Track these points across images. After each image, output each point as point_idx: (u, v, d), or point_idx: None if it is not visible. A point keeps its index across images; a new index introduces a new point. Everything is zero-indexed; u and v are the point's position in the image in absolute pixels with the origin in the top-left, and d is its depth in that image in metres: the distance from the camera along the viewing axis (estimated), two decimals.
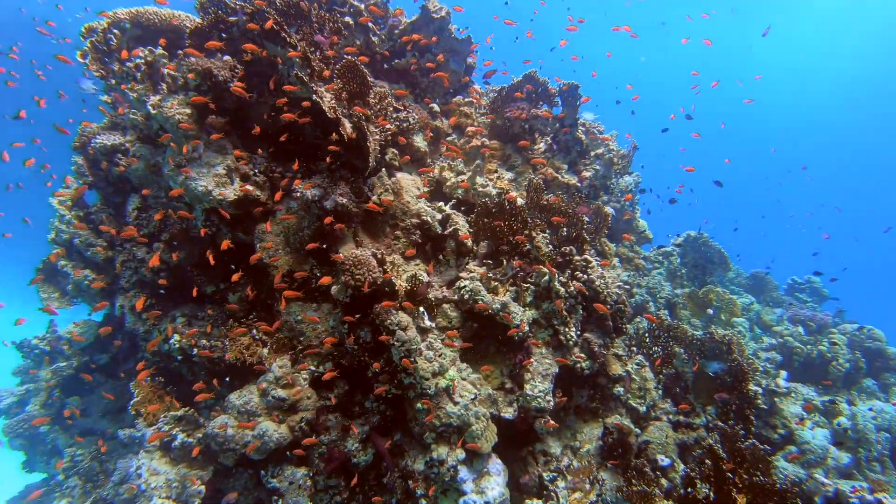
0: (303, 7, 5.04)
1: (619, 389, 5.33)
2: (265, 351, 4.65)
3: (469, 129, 6.35)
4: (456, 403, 4.52)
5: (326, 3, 5.92)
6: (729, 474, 3.77)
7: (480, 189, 5.77)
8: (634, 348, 5.88)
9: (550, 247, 5.46)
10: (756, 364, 7.60)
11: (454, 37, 6.40)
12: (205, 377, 4.85)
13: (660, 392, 5.81)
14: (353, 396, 4.65)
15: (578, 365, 5.11)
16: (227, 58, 4.58)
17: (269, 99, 4.76)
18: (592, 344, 5.21)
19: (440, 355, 4.56)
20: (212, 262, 4.57)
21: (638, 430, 5.33)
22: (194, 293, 4.75)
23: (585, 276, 5.22)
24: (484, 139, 6.46)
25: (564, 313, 5.03)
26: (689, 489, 4.00)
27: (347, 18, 5.66)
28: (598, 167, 6.92)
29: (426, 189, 5.71)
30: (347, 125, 4.72)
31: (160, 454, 4.15)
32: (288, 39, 4.51)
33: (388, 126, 5.16)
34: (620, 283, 6.26)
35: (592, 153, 7.01)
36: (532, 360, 4.84)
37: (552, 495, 4.76)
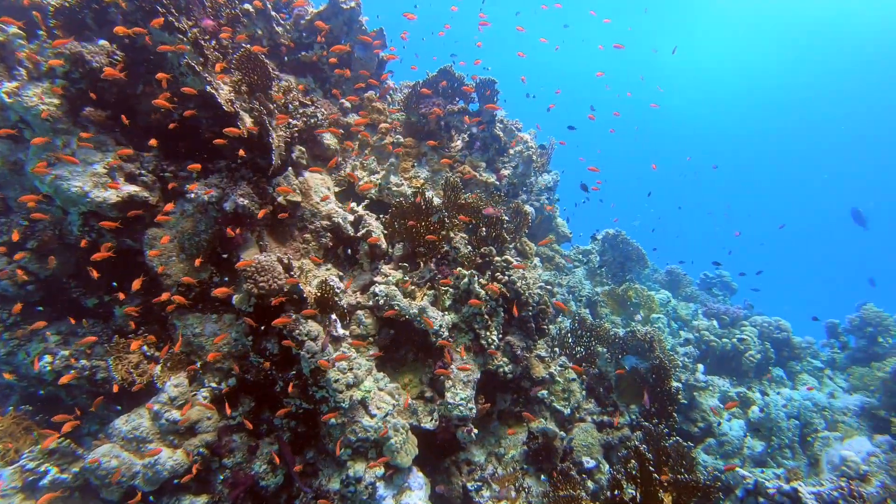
0: None
1: (542, 392, 5.25)
2: (157, 369, 4.20)
3: (382, 125, 6.09)
4: (373, 416, 4.27)
5: None
6: (654, 474, 3.75)
7: (395, 188, 5.54)
8: (557, 349, 5.84)
9: (469, 247, 5.32)
10: (676, 360, 7.86)
11: (364, 27, 6.12)
12: (86, 402, 4.27)
13: (583, 393, 5.81)
14: (261, 413, 4.34)
15: (501, 369, 4.99)
16: (103, 42, 4.06)
17: (159, 91, 4.28)
18: (515, 347, 5.12)
19: (353, 366, 4.29)
20: (94, 273, 4.03)
21: (563, 434, 5.29)
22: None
23: (506, 277, 5.12)
24: (398, 136, 6.22)
25: (485, 316, 4.89)
26: (616, 491, 3.95)
27: (247, 6, 5.23)
28: (517, 165, 6.83)
29: (337, 189, 5.38)
30: (247, 119, 4.35)
31: (21, 498, 3.54)
32: (176, 24, 4.07)
33: (294, 122, 4.79)
34: (542, 284, 6.24)
35: (511, 151, 6.92)
36: (452, 366, 4.65)
37: None
